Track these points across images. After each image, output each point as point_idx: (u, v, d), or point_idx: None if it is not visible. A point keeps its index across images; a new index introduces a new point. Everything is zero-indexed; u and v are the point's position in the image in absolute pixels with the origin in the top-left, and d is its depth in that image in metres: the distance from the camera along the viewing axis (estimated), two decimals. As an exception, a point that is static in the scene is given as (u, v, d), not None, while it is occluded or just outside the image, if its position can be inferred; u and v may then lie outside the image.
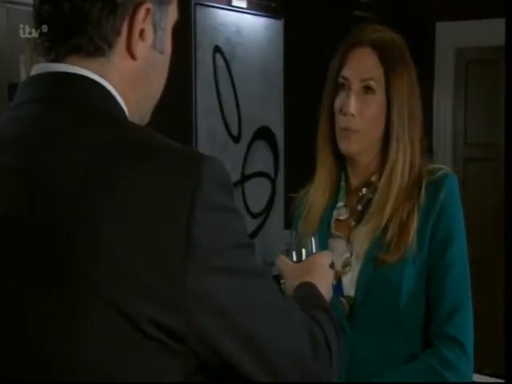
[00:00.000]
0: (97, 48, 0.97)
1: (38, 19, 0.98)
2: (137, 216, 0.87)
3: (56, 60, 0.97)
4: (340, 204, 1.67)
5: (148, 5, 0.98)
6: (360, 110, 1.57)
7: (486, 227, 4.47)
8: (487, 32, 4.41)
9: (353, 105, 1.57)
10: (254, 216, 4.04)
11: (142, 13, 0.97)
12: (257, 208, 4.06)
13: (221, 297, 0.91)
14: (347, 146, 1.60)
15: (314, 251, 1.41)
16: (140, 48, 0.99)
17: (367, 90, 1.58)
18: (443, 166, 1.65)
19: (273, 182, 4.16)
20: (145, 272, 0.87)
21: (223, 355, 0.92)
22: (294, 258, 1.40)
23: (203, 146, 3.72)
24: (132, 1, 0.97)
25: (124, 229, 0.87)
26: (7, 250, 0.91)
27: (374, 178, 1.64)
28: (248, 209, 3.99)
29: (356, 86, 1.58)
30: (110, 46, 0.97)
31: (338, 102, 1.61)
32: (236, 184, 3.89)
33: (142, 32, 0.98)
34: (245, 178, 3.98)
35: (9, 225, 0.91)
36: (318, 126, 1.67)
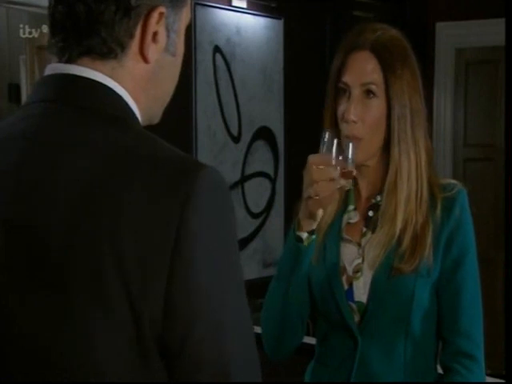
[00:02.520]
0: (110, 50, 0.97)
1: (53, 19, 0.98)
2: (132, 222, 0.87)
3: (69, 61, 0.98)
4: (350, 207, 1.66)
5: (162, 8, 0.98)
6: (361, 115, 1.55)
7: (485, 227, 4.47)
8: (487, 32, 4.41)
9: (353, 111, 1.55)
10: (254, 216, 4.04)
11: (155, 16, 0.97)
12: (257, 208, 4.06)
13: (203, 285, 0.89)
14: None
15: (350, 156, 1.50)
16: (153, 51, 0.99)
17: (368, 94, 1.56)
18: (454, 180, 1.63)
19: (273, 182, 4.16)
20: (134, 274, 0.87)
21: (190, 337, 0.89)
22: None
23: (203, 145, 3.72)
24: (146, 4, 0.97)
25: (121, 234, 0.87)
26: (7, 250, 0.91)
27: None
28: (248, 209, 3.99)
29: (357, 91, 1.56)
30: (123, 48, 0.97)
31: (340, 109, 1.59)
32: (236, 184, 3.90)
33: (155, 35, 0.98)
34: (245, 178, 3.98)
35: (9, 225, 0.91)
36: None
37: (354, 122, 1.55)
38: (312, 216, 1.52)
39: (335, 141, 1.50)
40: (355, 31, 1.61)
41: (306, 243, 1.54)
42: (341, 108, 1.59)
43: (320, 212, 1.52)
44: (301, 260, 1.56)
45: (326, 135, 1.52)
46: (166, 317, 0.87)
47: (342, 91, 1.59)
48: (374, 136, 1.58)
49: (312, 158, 1.50)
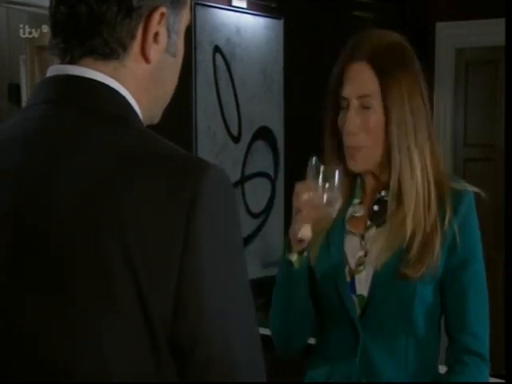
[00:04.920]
0: (111, 51, 0.97)
1: (54, 20, 0.98)
2: (134, 222, 0.87)
3: (71, 62, 0.98)
4: (356, 201, 1.66)
5: (163, 9, 0.98)
6: (362, 126, 1.57)
7: (485, 227, 4.46)
8: (487, 32, 4.41)
9: (352, 123, 1.56)
10: (254, 216, 4.04)
11: (156, 17, 0.98)
12: (257, 208, 4.06)
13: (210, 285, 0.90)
14: (353, 165, 1.60)
15: (335, 184, 1.49)
16: (154, 51, 0.99)
17: (365, 105, 1.57)
18: (464, 183, 1.63)
19: (273, 182, 4.16)
20: (143, 277, 0.87)
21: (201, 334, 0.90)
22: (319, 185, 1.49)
23: (203, 145, 3.72)
24: (148, 5, 0.97)
25: (124, 234, 0.87)
26: (7, 250, 0.91)
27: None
28: (248, 209, 3.99)
29: (355, 103, 1.57)
30: (125, 49, 0.97)
31: (340, 118, 1.61)
32: (236, 184, 3.90)
33: (156, 35, 0.98)
34: (245, 178, 3.98)
35: (10, 225, 0.91)
36: (323, 143, 1.66)
37: (355, 133, 1.57)
38: (301, 240, 1.52)
39: (321, 167, 1.50)
40: (353, 41, 1.61)
41: (297, 266, 1.55)
42: (340, 117, 1.60)
43: (308, 234, 1.51)
44: (296, 282, 1.58)
45: (313, 161, 1.51)
46: (175, 316, 0.88)
47: (341, 100, 1.60)
48: (376, 145, 1.59)
49: (297, 186, 1.50)
